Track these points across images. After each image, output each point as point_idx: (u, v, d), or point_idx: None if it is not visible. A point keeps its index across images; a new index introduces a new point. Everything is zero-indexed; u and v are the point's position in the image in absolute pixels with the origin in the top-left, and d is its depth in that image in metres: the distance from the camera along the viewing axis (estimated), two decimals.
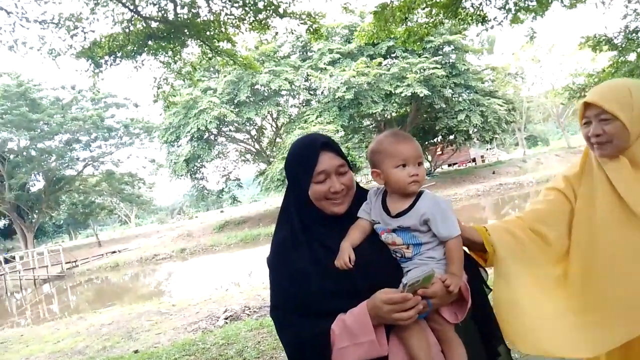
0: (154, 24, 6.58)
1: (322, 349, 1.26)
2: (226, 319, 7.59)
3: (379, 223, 1.39)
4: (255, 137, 32.54)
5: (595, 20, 75.24)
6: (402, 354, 1.29)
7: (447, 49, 28.77)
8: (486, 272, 1.50)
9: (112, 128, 33.83)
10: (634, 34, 8.89)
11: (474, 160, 38.62)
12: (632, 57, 9.61)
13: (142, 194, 39.53)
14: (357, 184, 1.49)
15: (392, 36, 7.72)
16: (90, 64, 7.04)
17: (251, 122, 30.09)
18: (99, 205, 39.01)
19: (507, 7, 7.18)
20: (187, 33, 6.69)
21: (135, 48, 6.87)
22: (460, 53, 28.66)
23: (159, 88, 8.01)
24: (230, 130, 31.37)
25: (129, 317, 9.22)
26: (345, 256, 1.32)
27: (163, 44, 6.93)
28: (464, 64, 28.02)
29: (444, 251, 1.34)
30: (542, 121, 54.15)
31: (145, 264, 24.35)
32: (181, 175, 29.27)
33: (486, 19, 7.37)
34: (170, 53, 7.30)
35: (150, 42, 6.85)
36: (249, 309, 7.90)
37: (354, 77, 24.94)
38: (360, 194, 1.47)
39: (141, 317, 9.01)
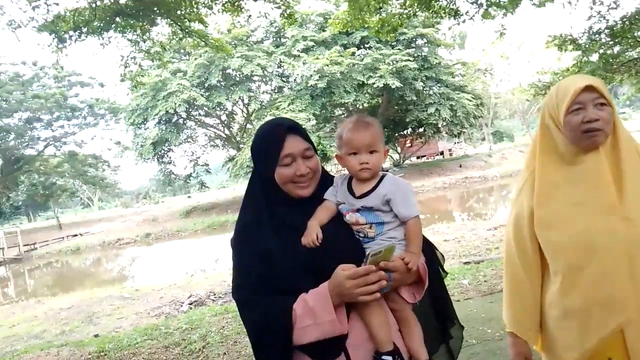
0: (122, 0, 6.34)
1: (284, 328, 1.28)
2: (190, 304, 7.53)
3: (343, 204, 1.43)
4: (226, 122, 32.11)
5: (562, 20, 77.44)
6: (362, 332, 1.32)
7: (420, 42, 29.04)
8: (442, 256, 1.55)
9: (75, 107, 32.60)
10: (597, 35, 9.20)
11: (441, 153, 39.38)
12: (594, 57, 9.98)
13: (106, 177, 38.42)
14: (323, 168, 1.51)
15: (365, 25, 7.72)
16: (54, 39, 6.72)
17: (221, 107, 29.64)
18: (60, 187, 37.66)
19: (478, 2, 7.30)
20: (157, 11, 6.47)
21: (102, 24, 6.59)
22: (432, 46, 28.98)
23: (126, 67, 7.74)
24: (199, 115, 30.82)
25: (89, 302, 9.01)
26: (313, 234, 1.34)
27: (131, 22, 6.68)
28: (435, 58, 28.36)
29: (404, 232, 1.38)
30: (508, 117, 55.71)
31: (108, 249, 23.77)
32: (148, 159, 28.60)
33: (458, 12, 7.46)
34: (138, 31, 7.05)
35: (117, 19, 6.59)
36: (214, 294, 7.86)
37: (327, 65, 24.86)
38: (326, 178, 1.50)
39: (102, 302, 8.83)
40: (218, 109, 29.46)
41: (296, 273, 1.33)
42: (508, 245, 1.59)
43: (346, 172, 1.48)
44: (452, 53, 33.60)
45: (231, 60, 24.85)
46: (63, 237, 27.50)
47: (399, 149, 36.89)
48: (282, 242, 1.37)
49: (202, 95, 26.01)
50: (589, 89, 1.38)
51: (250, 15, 7.28)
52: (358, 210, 1.39)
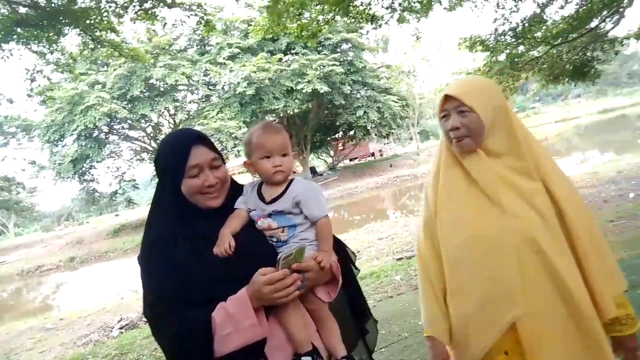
0: (22, 9, 5.89)
1: (204, 339, 1.24)
2: (121, 328, 7.13)
3: (255, 210, 1.42)
4: (152, 134, 30.79)
5: (473, 23, 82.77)
6: (280, 335, 1.32)
7: (345, 46, 29.71)
8: (354, 254, 1.59)
9: None
10: (502, 37, 9.93)
11: (372, 154, 40.40)
12: (502, 57, 10.73)
13: (21, 200, 35.45)
14: (232, 178, 1.50)
15: (286, 32, 7.77)
16: None
17: (146, 119, 28.38)
18: None
19: (392, 7, 7.60)
20: (64, 21, 6.09)
21: (0, 36, 6.10)
22: (357, 51, 29.76)
23: (32, 81, 7.21)
24: (123, 128, 29.32)
25: (7, 337, 8.25)
26: (226, 243, 1.32)
27: (35, 32, 6.23)
28: (361, 62, 29.15)
29: (315, 233, 1.40)
30: (433, 116, 58.35)
31: (28, 277, 21.88)
32: (67, 178, 26.66)
33: (375, 17, 7.73)
34: (44, 42, 6.60)
35: (19, 30, 6.13)
36: None
37: (254, 72, 24.69)
38: (235, 189, 1.49)
39: (22, 336, 8.11)
40: (142, 121, 28.19)
41: (212, 284, 1.30)
42: (419, 247, 1.63)
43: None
44: (376, 57, 34.72)
45: (154, 69, 23.95)
46: None
47: (332, 152, 37.43)
48: (196, 253, 1.33)
49: (124, 107, 24.78)
50: (448, 98, 1.47)
51: (165, 24, 7.06)
52: (270, 215, 1.40)
